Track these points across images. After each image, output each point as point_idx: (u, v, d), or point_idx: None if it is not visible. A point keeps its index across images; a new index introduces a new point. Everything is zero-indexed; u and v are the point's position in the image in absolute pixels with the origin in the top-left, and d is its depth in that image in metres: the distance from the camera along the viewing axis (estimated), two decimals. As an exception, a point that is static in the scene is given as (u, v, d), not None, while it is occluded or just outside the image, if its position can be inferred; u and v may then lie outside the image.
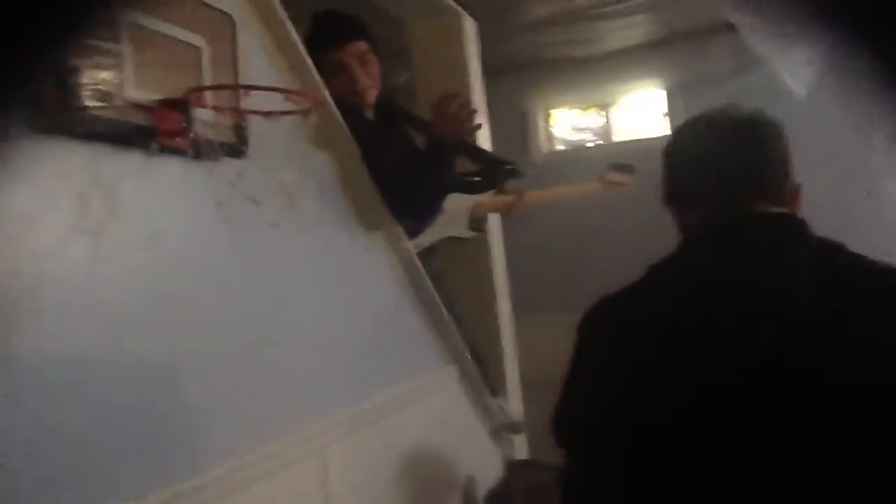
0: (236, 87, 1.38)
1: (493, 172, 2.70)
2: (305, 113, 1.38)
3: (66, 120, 1.20)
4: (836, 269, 1.08)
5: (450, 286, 2.83)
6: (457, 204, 2.76)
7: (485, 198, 2.82)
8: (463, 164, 2.68)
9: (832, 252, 1.10)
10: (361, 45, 2.31)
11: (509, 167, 2.70)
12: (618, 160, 2.95)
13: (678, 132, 1.29)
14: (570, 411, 1.19)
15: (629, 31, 4.15)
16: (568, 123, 5.10)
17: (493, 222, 3.28)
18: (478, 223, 2.86)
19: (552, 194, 3.27)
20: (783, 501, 0.98)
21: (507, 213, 2.94)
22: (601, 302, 1.19)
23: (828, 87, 3.93)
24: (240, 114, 1.48)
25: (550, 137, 5.01)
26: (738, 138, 1.19)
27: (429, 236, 2.67)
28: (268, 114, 1.36)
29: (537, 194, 3.09)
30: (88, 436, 1.21)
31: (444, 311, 2.48)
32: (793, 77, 3.89)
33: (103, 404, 1.24)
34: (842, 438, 0.97)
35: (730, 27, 4.01)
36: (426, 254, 2.68)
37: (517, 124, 4.77)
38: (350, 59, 2.29)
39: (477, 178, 2.71)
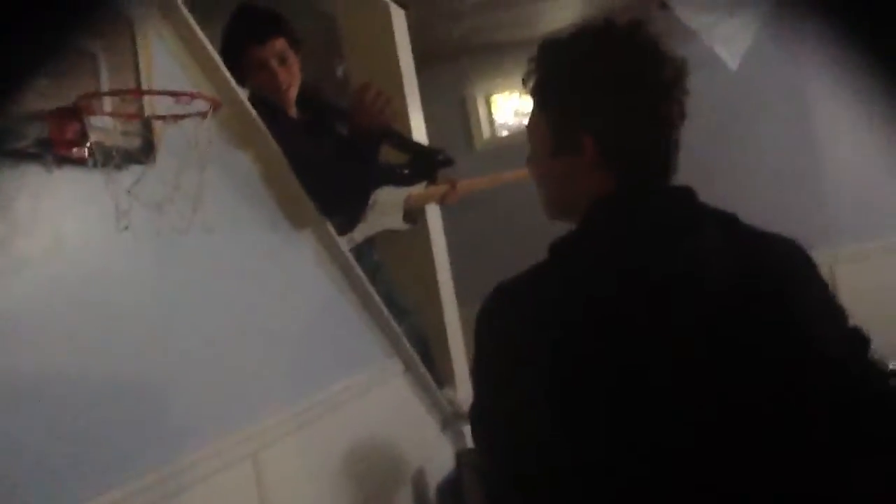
0: (126, 93, 1.35)
1: (424, 163, 2.70)
2: (202, 115, 1.35)
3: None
4: (737, 241, 1.08)
5: (390, 279, 2.82)
6: (389, 197, 2.76)
7: (418, 189, 2.82)
8: (395, 157, 2.68)
9: (731, 224, 1.10)
10: (280, 43, 2.28)
11: (440, 157, 2.69)
12: None
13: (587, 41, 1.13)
14: (484, 411, 1.11)
15: (564, 11, 4.16)
16: (510, 108, 5.09)
17: (434, 213, 3.27)
18: (412, 215, 2.87)
19: (484, 181, 3.29)
20: (719, 478, 0.96)
21: (441, 203, 2.96)
22: (499, 288, 1.09)
23: (757, 58, 3.98)
24: (134, 119, 1.45)
25: (493, 123, 5.00)
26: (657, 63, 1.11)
27: (362, 231, 2.66)
28: (163, 118, 1.33)
29: (469, 182, 3.10)
30: (12, 445, 1.18)
31: (382, 305, 2.46)
32: (723, 48, 3.93)
33: (18, 418, 1.21)
34: (772, 404, 0.97)
35: (662, 5, 4.03)
36: (364, 247, 2.67)
37: (458, 111, 4.76)
38: (270, 57, 2.26)
39: (407, 170, 2.71)
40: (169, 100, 1.45)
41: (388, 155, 2.62)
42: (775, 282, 1.04)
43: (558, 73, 1.13)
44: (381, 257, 2.81)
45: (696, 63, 3.82)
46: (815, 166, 4.34)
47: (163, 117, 1.33)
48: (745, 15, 4.02)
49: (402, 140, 2.63)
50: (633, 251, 1.04)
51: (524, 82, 1.17)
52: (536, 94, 1.17)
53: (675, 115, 1.11)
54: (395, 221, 2.79)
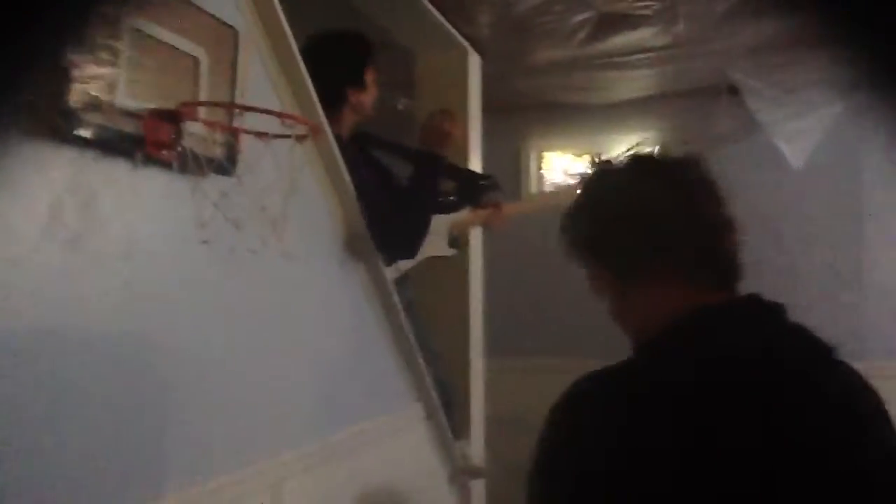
0: (232, 107, 1.33)
1: (471, 187, 2.74)
2: (300, 138, 1.33)
3: (51, 122, 1.15)
4: (829, 366, 1.03)
5: (423, 319, 2.78)
6: (436, 224, 2.72)
7: (462, 214, 2.80)
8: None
9: (820, 347, 1.04)
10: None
11: (486, 181, 2.72)
12: None
13: (621, 188, 1.07)
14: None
15: (631, 83, 4.15)
16: (560, 167, 5.08)
17: (476, 239, 3.23)
18: (456, 240, 2.83)
19: (531, 205, 3.28)
20: None
21: (486, 226, 2.92)
22: (588, 380, 0.99)
23: (817, 155, 3.95)
24: (232, 131, 1.43)
25: (541, 179, 4.99)
26: (706, 196, 1.05)
27: (408, 262, 2.61)
28: (261, 135, 1.31)
29: (515, 206, 3.09)
30: (45, 457, 1.14)
31: (415, 347, 2.42)
32: (790, 146, 3.90)
33: (59, 426, 1.18)
34: None
35: (733, 90, 4.02)
36: (399, 283, 2.63)
37: (511, 163, 4.75)
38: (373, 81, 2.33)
39: (454, 196, 2.71)
40: (256, 116, 1.44)
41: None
42: (867, 412, 1.00)
43: (602, 228, 1.09)
44: (414, 295, 2.77)
45: (756, 156, 3.84)
46: (859, 272, 4.28)
47: (260, 134, 1.30)
48: (815, 115, 4.00)
49: (452, 167, 2.66)
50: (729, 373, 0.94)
51: (568, 250, 1.12)
52: (583, 252, 1.12)
53: (728, 230, 1.06)
54: (441, 248, 2.75)
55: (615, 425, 0.93)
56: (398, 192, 2.37)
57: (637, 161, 1.08)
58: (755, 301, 1.03)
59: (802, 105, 4.01)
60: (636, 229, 1.04)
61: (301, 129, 1.33)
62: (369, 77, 2.34)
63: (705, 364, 0.93)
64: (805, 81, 3.96)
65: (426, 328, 2.76)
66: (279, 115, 1.27)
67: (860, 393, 1.03)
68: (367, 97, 2.35)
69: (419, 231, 2.30)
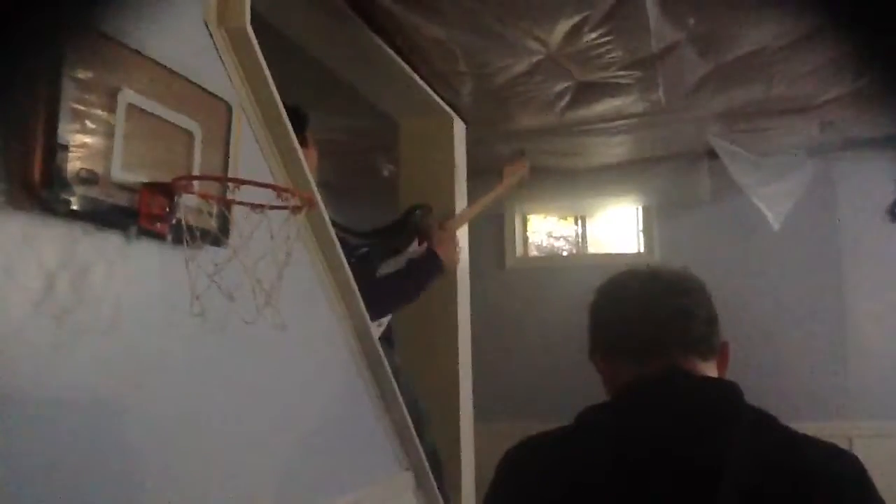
0: (229, 181, 1.34)
1: (407, 221, 2.82)
2: (295, 209, 1.34)
3: (46, 196, 1.15)
4: (768, 441, 1.05)
5: (412, 383, 2.76)
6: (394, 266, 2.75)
7: (413, 250, 2.83)
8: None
9: (764, 423, 1.08)
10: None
11: (417, 210, 2.79)
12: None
13: (604, 289, 1.28)
14: None
15: (613, 148, 4.22)
16: (544, 230, 5.14)
17: (463, 325, 3.24)
18: None
19: (468, 212, 3.34)
20: None
21: (438, 248, 2.93)
22: (525, 443, 1.16)
23: (796, 218, 4.02)
24: (227, 203, 1.44)
25: (526, 242, 5.03)
26: (665, 292, 1.19)
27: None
28: (257, 206, 1.32)
29: (457, 219, 3.16)
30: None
31: (405, 413, 2.40)
32: (769, 208, 3.97)
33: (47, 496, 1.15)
34: None
35: (712, 154, 4.10)
36: (385, 349, 2.63)
37: (495, 227, 4.79)
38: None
39: (392, 234, 2.79)
40: (249, 187, 1.45)
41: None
42: (806, 490, 1.01)
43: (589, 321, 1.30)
44: (401, 362, 2.76)
45: (737, 214, 3.91)
46: (842, 333, 4.32)
47: (256, 206, 1.31)
48: (790, 177, 4.09)
49: (381, 229, 2.78)
50: (655, 437, 1.05)
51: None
52: None
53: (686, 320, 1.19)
54: None
55: (519, 487, 1.12)
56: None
57: (627, 273, 1.28)
58: (671, 375, 1.13)
59: (778, 167, 4.11)
60: (599, 323, 1.27)
61: (296, 201, 1.33)
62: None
63: (601, 434, 1.09)
64: (778, 145, 4.07)
65: (415, 393, 2.75)
66: (277, 188, 1.29)
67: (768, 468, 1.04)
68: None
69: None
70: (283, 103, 1.76)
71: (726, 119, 3.68)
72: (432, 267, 2.77)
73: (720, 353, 1.19)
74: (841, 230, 4.33)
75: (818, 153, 4.17)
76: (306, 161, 2.17)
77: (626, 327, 1.20)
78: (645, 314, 1.18)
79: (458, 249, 2.97)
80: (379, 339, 2.57)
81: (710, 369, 1.16)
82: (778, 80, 3.11)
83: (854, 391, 4.21)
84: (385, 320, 2.58)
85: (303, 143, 2.03)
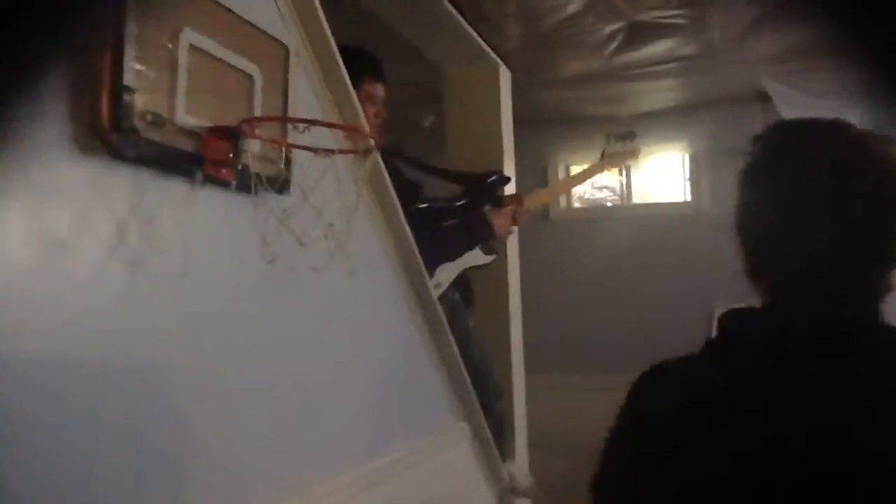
0: (297, 121, 1.30)
1: (481, 189, 2.69)
2: (363, 153, 1.30)
3: (115, 140, 1.12)
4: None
5: (485, 351, 2.74)
6: None
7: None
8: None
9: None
10: (382, 89, 2.34)
11: (494, 177, 2.70)
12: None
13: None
14: (615, 470, 1.11)
15: (660, 94, 4.12)
16: (588, 181, 5.04)
17: (513, 278, 3.20)
18: (491, 246, 2.78)
19: (554, 190, 3.23)
20: None
21: (514, 223, 2.85)
22: (659, 364, 1.10)
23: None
24: (289, 148, 1.40)
25: (571, 193, 4.95)
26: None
27: (448, 272, 2.59)
28: (324, 151, 1.27)
29: (537, 195, 3.03)
30: (95, 467, 1.11)
31: (463, 367, 2.39)
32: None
33: (117, 438, 1.14)
34: None
35: (763, 97, 3.98)
36: (457, 310, 2.61)
37: (538, 177, 4.72)
38: (377, 96, 2.31)
39: (465, 201, 2.69)
40: (309, 134, 1.41)
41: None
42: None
43: None
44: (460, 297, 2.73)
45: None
46: None
47: (323, 151, 1.27)
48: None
49: (457, 173, 2.64)
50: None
51: None
52: None
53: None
54: (476, 255, 2.70)
55: (644, 408, 1.08)
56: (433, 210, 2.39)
57: None
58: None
59: (832, 110, 3.96)
60: None
61: (363, 144, 1.29)
62: (362, 94, 2.18)
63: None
64: (832, 86, 3.92)
65: (488, 362, 2.73)
66: (345, 127, 1.24)
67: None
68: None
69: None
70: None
71: (780, 60, 3.55)
72: (479, 235, 2.70)
73: None
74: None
75: (866, 95, 4.02)
76: (375, 98, 2.16)
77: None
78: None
79: (512, 228, 2.86)
80: (454, 298, 2.57)
81: None
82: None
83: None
84: (443, 281, 2.55)
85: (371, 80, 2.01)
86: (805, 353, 0.99)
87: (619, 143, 2.99)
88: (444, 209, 2.66)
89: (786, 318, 1.04)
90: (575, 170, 5.01)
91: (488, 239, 2.71)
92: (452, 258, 2.62)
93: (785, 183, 1.06)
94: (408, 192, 2.47)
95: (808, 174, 1.05)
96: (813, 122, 1.11)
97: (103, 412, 1.13)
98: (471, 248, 2.67)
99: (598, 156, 3.02)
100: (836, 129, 1.08)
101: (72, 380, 1.07)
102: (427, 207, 2.49)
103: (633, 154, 2.99)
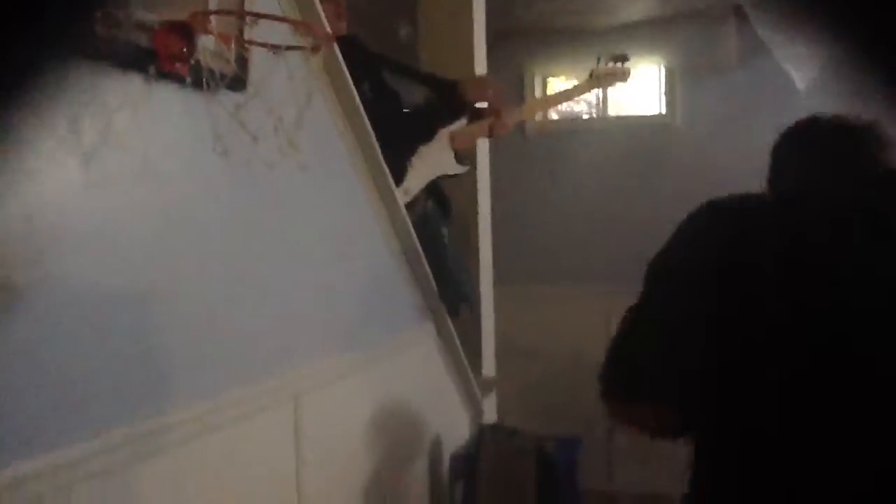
0: (245, 14, 1.32)
1: (451, 96, 2.64)
2: (314, 49, 1.33)
3: (70, 36, 1.15)
4: None
5: (460, 260, 2.78)
6: (438, 137, 2.66)
7: (463, 126, 2.73)
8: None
9: None
10: None
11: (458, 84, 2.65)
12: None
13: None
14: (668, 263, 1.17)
15: (636, 4, 4.10)
16: (565, 93, 5.04)
17: (483, 189, 3.25)
18: (464, 156, 2.78)
19: (535, 106, 3.16)
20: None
21: (490, 136, 2.85)
22: (715, 203, 1.17)
23: (825, 85, 3.91)
24: (243, 45, 1.43)
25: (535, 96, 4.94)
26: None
27: (417, 179, 2.60)
28: (275, 47, 1.31)
29: (518, 111, 3.00)
30: (63, 365, 1.17)
31: (428, 269, 2.46)
32: (795, 70, 3.86)
33: (80, 333, 1.20)
34: None
35: (739, 12, 3.96)
36: (439, 216, 2.65)
37: (514, 89, 4.70)
38: None
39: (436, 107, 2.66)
40: (264, 29, 1.43)
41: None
42: None
43: None
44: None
45: (764, 78, 3.76)
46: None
47: (274, 46, 1.30)
48: (816, 45, 3.95)
49: (435, 77, 2.62)
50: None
51: None
52: None
53: None
54: (448, 164, 2.69)
55: (697, 236, 1.15)
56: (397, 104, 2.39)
57: None
58: None
59: (803, 29, 3.96)
60: None
61: (314, 40, 1.32)
62: None
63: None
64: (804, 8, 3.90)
65: (461, 263, 2.79)
66: (295, 23, 1.27)
67: None
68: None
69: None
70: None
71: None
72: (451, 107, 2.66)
73: None
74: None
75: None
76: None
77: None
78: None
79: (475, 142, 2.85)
80: (427, 206, 2.59)
81: None
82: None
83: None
84: (412, 187, 2.56)
85: None
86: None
87: (611, 63, 2.96)
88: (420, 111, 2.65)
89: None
90: (552, 81, 5.01)
91: (460, 111, 2.68)
92: (422, 139, 2.59)
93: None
94: (388, 99, 2.47)
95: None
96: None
97: (69, 305, 1.18)
98: (442, 123, 2.65)
99: (587, 74, 2.99)
100: None
101: (34, 273, 1.12)
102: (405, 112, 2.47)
103: (624, 76, 2.96)
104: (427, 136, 2.55)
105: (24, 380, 1.09)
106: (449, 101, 2.65)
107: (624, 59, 2.92)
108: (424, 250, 2.43)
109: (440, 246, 2.64)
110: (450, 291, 2.64)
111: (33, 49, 1.21)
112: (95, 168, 1.23)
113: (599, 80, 2.93)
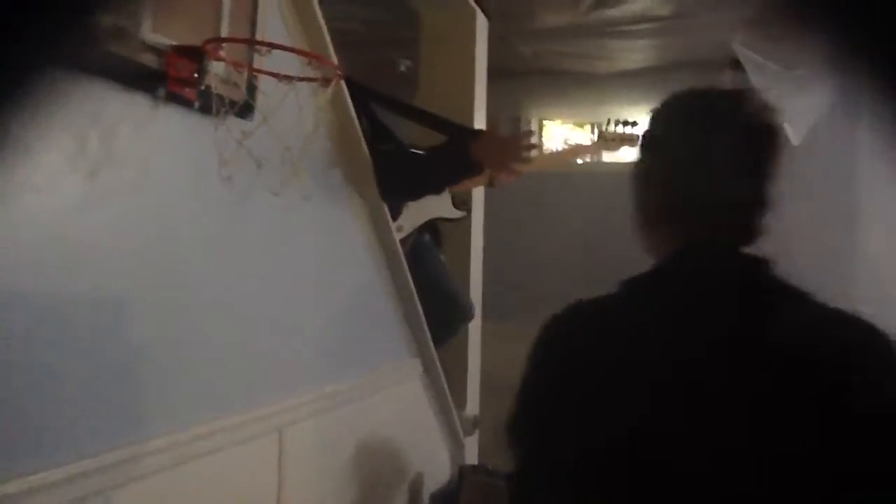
0: (261, 44, 1.32)
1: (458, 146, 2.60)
2: (325, 81, 1.33)
3: (78, 53, 1.14)
4: (812, 314, 1.05)
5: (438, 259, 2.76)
6: None
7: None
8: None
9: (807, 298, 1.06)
10: None
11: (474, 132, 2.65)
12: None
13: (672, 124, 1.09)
14: (527, 409, 1.10)
15: (635, 53, 4.15)
16: (559, 137, 5.09)
17: (476, 229, 3.25)
18: (462, 200, 2.77)
19: (542, 163, 3.17)
20: None
21: (490, 185, 2.82)
22: (573, 305, 1.09)
23: (824, 132, 3.95)
24: (253, 73, 1.43)
25: (541, 147, 4.99)
26: (749, 149, 1.03)
27: (413, 219, 2.59)
28: (286, 77, 1.30)
29: (525, 166, 2.97)
30: (47, 383, 1.15)
31: (419, 304, 2.44)
32: (790, 123, 3.92)
33: (68, 351, 1.18)
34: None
35: (735, 64, 4.02)
36: (431, 247, 2.65)
37: (510, 130, 4.74)
38: None
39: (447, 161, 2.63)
40: (275, 60, 1.43)
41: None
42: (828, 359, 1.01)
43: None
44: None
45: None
46: (850, 251, 4.32)
47: (285, 77, 1.30)
48: (815, 93, 4.01)
49: (444, 120, 2.59)
50: (694, 311, 1.00)
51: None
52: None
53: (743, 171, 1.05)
54: (447, 209, 2.69)
55: (559, 347, 1.07)
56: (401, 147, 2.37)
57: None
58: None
59: (802, 81, 4.02)
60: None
61: (326, 72, 1.32)
62: None
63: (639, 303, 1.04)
64: (804, 57, 3.97)
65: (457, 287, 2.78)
66: (308, 55, 1.27)
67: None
68: None
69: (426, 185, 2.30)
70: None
71: (753, 25, 3.60)
72: (459, 168, 2.40)
73: None
74: (861, 150, 4.28)
75: (841, 69, 4.08)
76: None
77: (696, 193, 1.05)
78: (725, 183, 1.03)
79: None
80: (423, 240, 2.58)
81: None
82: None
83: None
84: (406, 224, 2.54)
85: None
86: (715, 299, 1.01)
87: (619, 127, 2.99)
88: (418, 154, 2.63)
89: (697, 257, 1.05)
90: (548, 125, 5.05)
91: (468, 174, 2.61)
92: (421, 192, 2.48)
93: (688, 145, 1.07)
94: (378, 134, 2.46)
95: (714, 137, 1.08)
96: (704, 90, 1.13)
97: (58, 321, 1.17)
98: (447, 181, 2.50)
99: (587, 124, 3.03)
100: (724, 95, 1.12)
101: (25, 287, 1.11)
102: (398, 149, 2.47)
103: (632, 141, 2.99)
104: (436, 189, 2.53)
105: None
106: (460, 157, 2.54)
107: (633, 124, 2.94)
108: (422, 278, 2.42)
109: (439, 266, 2.64)
110: (455, 310, 2.63)
111: (42, 62, 1.21)
112: (97, 184, 1.22)
113: (607, 143, 2.95)
